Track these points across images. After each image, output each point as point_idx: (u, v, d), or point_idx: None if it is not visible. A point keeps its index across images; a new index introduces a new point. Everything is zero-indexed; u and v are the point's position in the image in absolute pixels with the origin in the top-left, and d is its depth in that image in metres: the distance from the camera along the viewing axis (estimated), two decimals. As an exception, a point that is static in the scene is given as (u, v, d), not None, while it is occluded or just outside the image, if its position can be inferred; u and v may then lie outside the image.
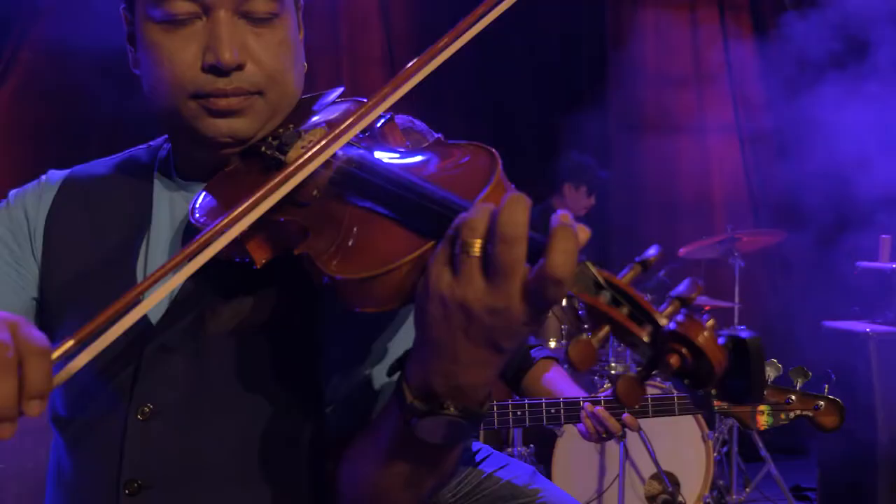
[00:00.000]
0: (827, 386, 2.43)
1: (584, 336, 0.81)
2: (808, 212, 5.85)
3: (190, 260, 0.98)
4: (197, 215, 1.14)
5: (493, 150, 1.02)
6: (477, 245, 0.85)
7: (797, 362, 4.99)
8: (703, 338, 0.78)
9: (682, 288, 0.83)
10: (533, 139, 6.10)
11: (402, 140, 1.18)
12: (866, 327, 4.61)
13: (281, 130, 1.18)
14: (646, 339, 0.81)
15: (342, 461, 1.14)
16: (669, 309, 0.82)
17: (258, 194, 1.02)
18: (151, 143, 1.37)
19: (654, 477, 4.25)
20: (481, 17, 1.09)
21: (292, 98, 1.22)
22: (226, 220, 1.00)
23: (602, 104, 6.19)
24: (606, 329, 0.83)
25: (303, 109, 1.24)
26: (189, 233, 1.23)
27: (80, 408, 1.19)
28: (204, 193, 1.18)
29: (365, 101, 1.22)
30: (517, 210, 0.83)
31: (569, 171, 5.10)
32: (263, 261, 1.09)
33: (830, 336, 4.78)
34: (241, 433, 1.15)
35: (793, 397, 2.41)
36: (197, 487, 1.15)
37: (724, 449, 4.85)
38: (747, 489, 4.85)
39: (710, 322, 0.79)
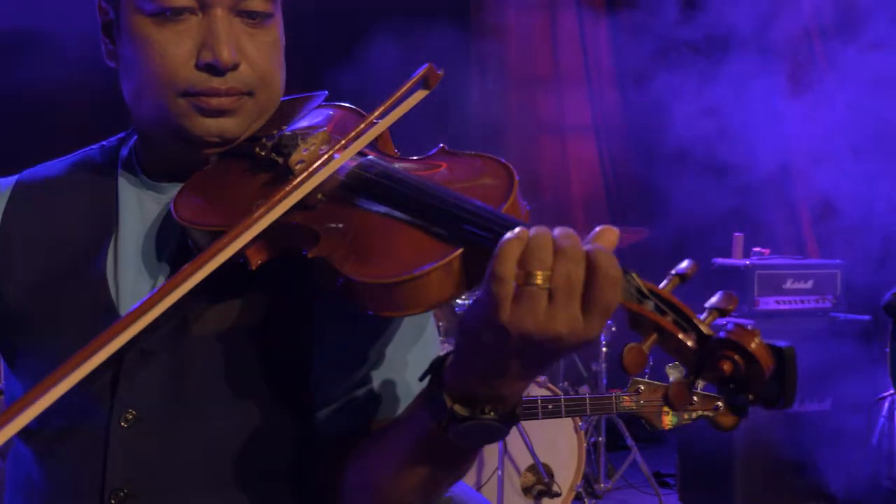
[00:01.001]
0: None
1: (636, 344, 0.85)
2: (665, 209, 6.12)
3: (205, 265, 0.97)
4: (182, 214, 1.12)
5: (506, 161, 1.05)
6: (543, 276, 0.86)
7: (660, 358, 5.26)
8: (755, 344, 0.84)
9: (716, 300, 0.88)
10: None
11: (392, 147, 1.20)
12: (724, 321, 4.87)
13: (274, 132, 1.16)
14: (691, 345, 0.86)
15: (349, 466, 1.14)
16: (709, 318, 0.87)
17: (276, 198, 1.02)
18: (104, 143, 1.32)
19: (530, 468, 4.36)
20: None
21: (278, 100, 1.21)
22: (243, 225, 1.00)
23: (461, 104, 6.28)
24: (654, 336, 0.87)
25: (286, 111, 1.23)
26: (166, 232, 1.20)
27: (52, 416, 1.13)
28: (185, 192, 1.16)
29: (349, 106, 1.24)
30: (611, 257, 0.86)
31: None
32: (260, 262, 1.08)
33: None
34: (229, 438, 1.14)
35: (696, 399, 2.54)
36: (184, 494, 1.13)
37: (592, 440, 5.02)
38: (613, 478, 5.04)
39: (758, 330, 0.85)
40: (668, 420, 2.60)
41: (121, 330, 0.95)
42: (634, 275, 0.90)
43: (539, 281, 0.86)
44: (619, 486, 5.22)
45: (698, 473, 5.01)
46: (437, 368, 0.98)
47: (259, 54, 1.15)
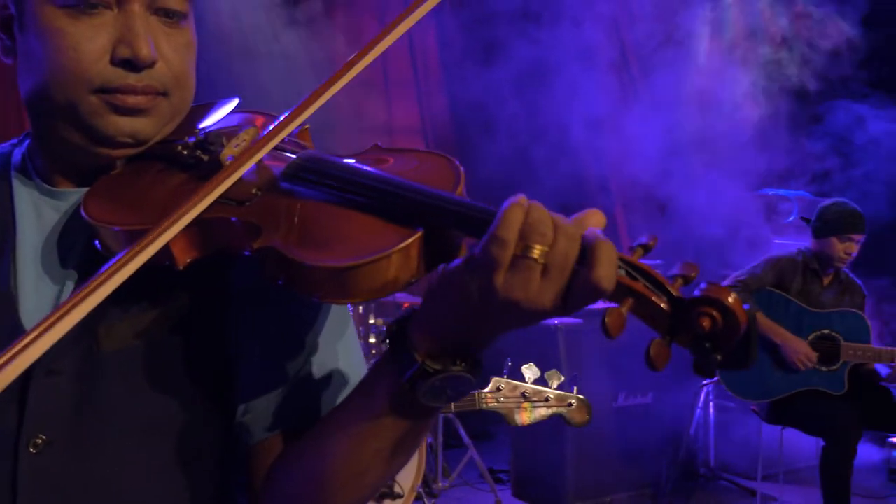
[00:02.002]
0: (576, 387, 2.68)
1: (615, 307, 0.87)
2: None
3: (123, 268, 0.90)
4: (94, 214, 1.05)
5: (446, 154, 1.06)
6: (540, 250, 0.86)
7: (498, 355, 5.34)
8: (732, 299, 0.86)
9: (678, 268, 0.92)
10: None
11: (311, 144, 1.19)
12: (555, 320, 5.04)
13: (197, 132, 1.12)
14: (665, 307, 0.88)
15: (288, 461, 1.10)
16: (675, 284, 0.90)
17: (207, 187, 0.98)
18: None
19: (372, 471, 4.35)
20: (400, 22, 1.11)
21: (189, 104, 1.17)
22: (171, 219, 0.95)
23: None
24: (630, 301, 0.89)
25: (196, 117, 1.19)
26: (69, 240, 1.13)
27: None
28: (94, 194, 1.09)
29: (263, 111, 1.22)
30: (612, 259, 0.86)
31: None
32: (188, 261, 1.03)
33: (525, 330, 5.15)
34: (148, 453, 1.09)
35: (550, 396, 2.62)
36: None
37: (429, 440, 5.07)
38: (451, 476, 5.10)
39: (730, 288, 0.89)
40: (526, 416, 2.67)
41: (25, 347, 0.86)
42: None
43: (536, 254, 0.86)
44: (455, 484, 5.30)
45: (531, 468, 5.16)
46: (401, 327, 0.97)
47: (175, 54, 1.11)
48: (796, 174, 6.30)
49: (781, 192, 5.79)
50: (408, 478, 4.50)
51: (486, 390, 2.64)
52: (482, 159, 6.46)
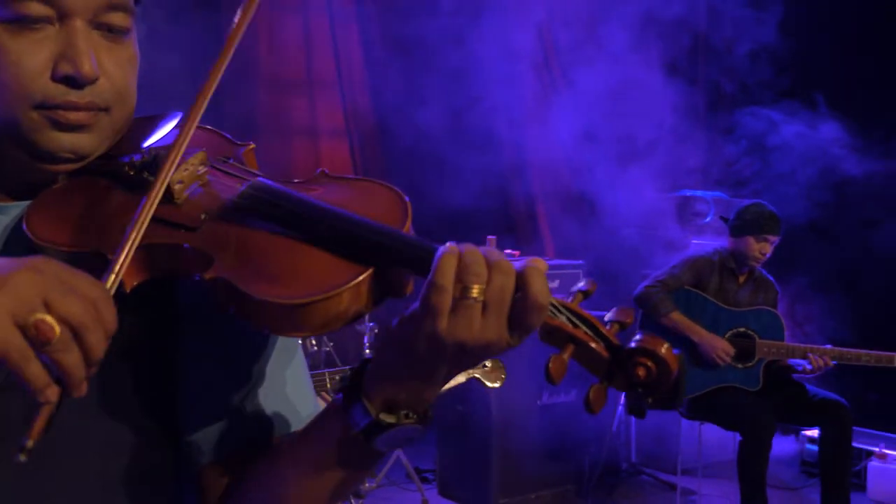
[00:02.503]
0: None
1: (557, 354, 0.93)
2: (419, 213, 6.28)
3: None
4: (39, 233, 1.04)
5: (394, 187, 1.07)
6: (478, 289, 0.90)
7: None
8: (665, 350, 0.93)
9: (614, 314, 0.97)
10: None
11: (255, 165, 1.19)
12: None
13: (143, 151, 1.11)
14: (605, 354, 0.94)
15: (240, 487, 1.11)
16: (612, 330, 0.95)
17: (144, 214, 0.98)
18: None
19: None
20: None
21: (130, 118, 1.16)
22: (123, 244, 0.95)
23: (216, 106, 6.14)
24: (572, 347, 0.94)
25: (138, 130, 1.18)
26: (8, 253, 1.10)
27: None
28: (36, 210, 1.07)
29: (209, 127, 1.22)
30: (543, 278, 0.91)
31: None
32: (135, 284, 1.03)
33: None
34: (97, 473, 1.07)
35: (487, 364, 2.69)
36: None
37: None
38: (377, 477, 5.12)
39: (663, 339, 0.95)
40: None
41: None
42: None
43: (475, 293, 0.90)
44: (382, 484, 5.31)
45: (457, 467, 5.20)
46: (355, 379, 0.99)
47: (117, 70, 1.10)
48: (713, 176, 6.46)
49: (699, 193, 5.94)
50: (335, 479, 4.51)
51: None
52: (406, 159, 6.48)
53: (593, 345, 0.94)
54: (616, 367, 0.94)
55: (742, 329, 4.59)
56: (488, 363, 2.81)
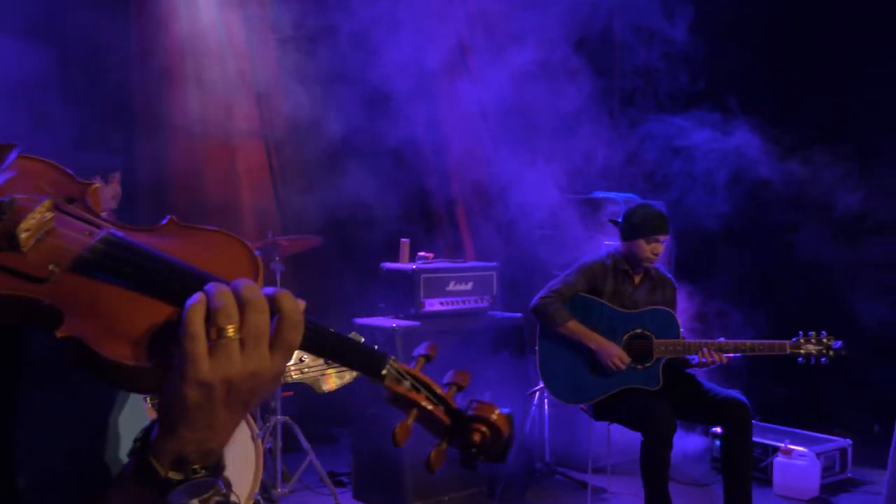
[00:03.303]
0: (376, 345, 2.73)
1: (403, 421, 1.05)
2: (334, 215, 6.28)
3: None
4: None
5: (242, 238, 1.08)
6: (233, 328, 0.94)
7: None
8: (496, 416, 1.05)
9: (451, 376, 1.09)
10: (57, 136, 5.76)
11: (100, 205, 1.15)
12: (392, 322, 5.11)
13: None
14: (446, 420, 1.04)
15: None
16: (451, 392, 1.07)
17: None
18: None
19: (206, 481, 4.30)
20: None
21: None
22: None
23: (126, 106, 6.07)
24: (415, 412, 1.04)
25: None
26: None
27: None
28: None
29: (47, 160, 1.18)
30: (294, 301, 0.97)
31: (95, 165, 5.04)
32: None
33: (364, 332, 5.21)
34: None
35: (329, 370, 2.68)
36: None
37: (268, 445, 5.05)
38: (290, 481, 5.11)
39: (493, 405, 1.07)
40: (332, 382, 2.69)
41: None
42: (393, 359, 1.06)
43: (231, 333, 0.94)
44: (295, 489, 5.30)
45: (371, 470, 5.21)
46: (143, 441, 0.99)
47: None
48: (627, 178, 6.56)
49: (611, 195, 6.03)
50: (245, 486, 4.47)
51: (289, 363, 2.64)
52: (323, 162, 6.47)
53: (434, 410, 1.03)
54: (455, 430, 1.04)
55: (639, 330, 4.68)
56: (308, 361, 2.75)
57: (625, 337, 4.68)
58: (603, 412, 4.74)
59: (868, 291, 6.88)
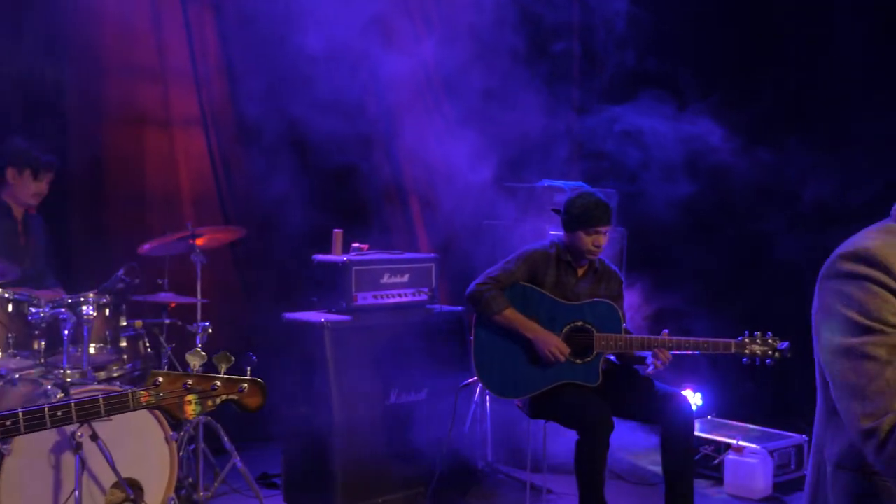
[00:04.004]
0: (249, 368, 2.52)
1: None
2: (266, 206, 6.05)
3: None
4: None
5: None
6: None
7: (265, 354, 5.11)
8: None
9: None
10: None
11: None
12: (322, 317, 4.88)
13: None
14: None
15: None
16: None
17: None
18: None
19: (115, 486, 4.09)
20: None
21: None
22: None
23: (58, 92, 5.81)
24: None
25: None
26: None
27: None
28: None
29: None
30: None
31: (10, 155, 4.81)
32: None
33: (293, 327, 4.98)
34: None
35: (218, 383, 2.45)
36: None
37: (192, 446, 4.83)
38: (216, 483, 4.88)
39: None
40: (191, 409, 2.47)
41: None
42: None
43: None
44: (223, 491, 5.09)
45: (301, 472, 4.99)
46: None
47: None
48: (576, 166, 6.35)
49: (558, 183, 5.79)
50: (158, 490, 4.25)
51: (141, 388, 2.41)
52: (267, 154, 6.23)
53: None
54: None
55: (579, 323, 4.46)
56: (245, 384, 2.51)
57: (565, 329, 4.45)
58: (538, 409, 4.52)
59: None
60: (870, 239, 2.00)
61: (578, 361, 4.43)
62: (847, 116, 6.52)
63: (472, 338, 4.55)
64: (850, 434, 1.98)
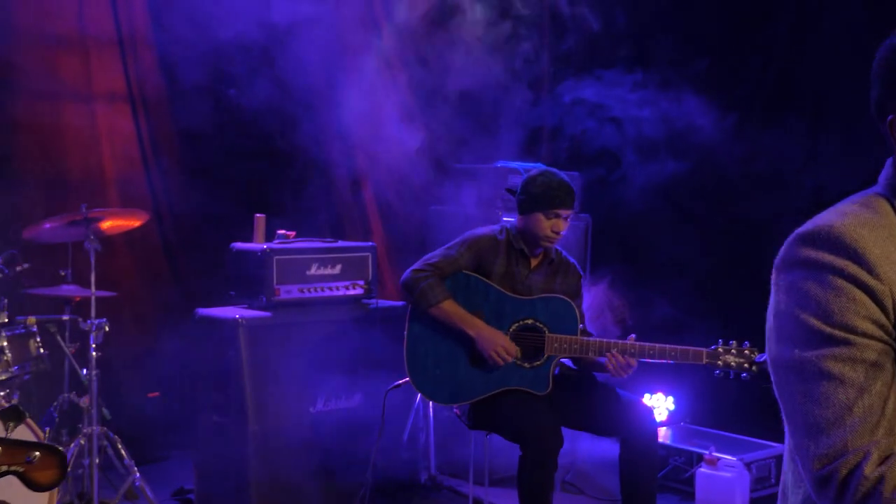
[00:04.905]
0: (48, 430, 1.94)
1: None
2: (191, 188, 5.51)
3: None
4: None
5: None
6: None
7: (170, 360, 4.51)
8: None
9: None
10: None
11: None
12: (237, 313, 4.30)
13: None
14: None
15: None
16: None
17: None
18: None
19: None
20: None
21: None
22: None
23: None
24: None
25: None
26: None
27: None
28: None
29: None
30: None
31: None
32: None
33: (205, 324, 4.41)
34: None
35: (36, 453, 1.85)
36: None
37: (86, 460, 4.25)
38: (115, 500, 4.31)
39: None
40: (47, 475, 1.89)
41: None
42: None
43: None
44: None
45: (214, 487, 4.43)
46: None
47: None
48: (541, 148, 5.79)
49: (514, 164, 5.21)
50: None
51: None
52: (201, 133, 5.70)
53: None
54: None
55: (529, 321, 3.88)
56: (37, 452, 1.92)
57: (513, 327, 3.88)
58: (478, 418, 3.94)
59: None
60: (838, 215, 1.44)
61: (527, 365, 3.85)
62: (837, 96, 6.02)
63: (405, 333, 3.97)
64: (805, 480, 1.44)
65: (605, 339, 3.81)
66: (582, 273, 4.15)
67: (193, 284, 5.45)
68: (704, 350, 3.71)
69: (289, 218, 5.19)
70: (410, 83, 5.56)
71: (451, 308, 3.85)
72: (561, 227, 3.88)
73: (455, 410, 4.07)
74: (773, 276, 1.48)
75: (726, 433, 5.32)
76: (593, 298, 5.21)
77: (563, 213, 3.87)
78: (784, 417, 1.48)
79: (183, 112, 5.74)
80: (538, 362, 3.85)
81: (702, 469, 4.83)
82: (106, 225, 4.33)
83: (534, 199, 3.88)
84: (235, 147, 5.72)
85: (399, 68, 5.61)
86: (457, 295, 3.89)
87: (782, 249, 1.47)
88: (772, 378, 1.51)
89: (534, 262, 4.01)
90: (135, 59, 5.78)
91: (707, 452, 4.85)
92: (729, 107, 5.83)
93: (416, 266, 3.92)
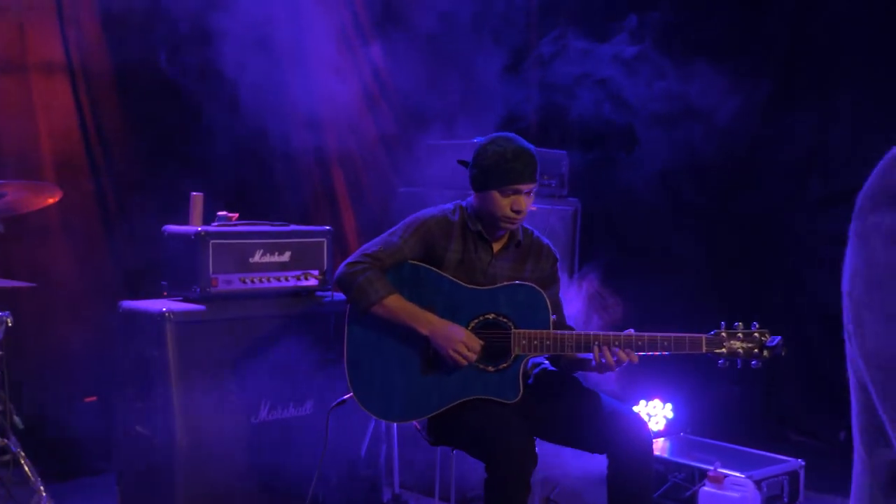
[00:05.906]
0: None
1: None
2: (142, 167, 4.95)
3: None
4: None
5: None
6: None
7: (99, 354, 3.91)
8: None
9: None
10: None
11: None
12: (164, 306, 3.70)
13: None
14: None
15: None
16: None
17: None
18: None
19: None
20: None
21: None
22: None
23: None
24: None
25: None
26: None
27: None
28: None
29: None
30: None
31: None
32: None
33: (129, 319, 3.82)
34: None
35: None
36: None
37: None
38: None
39: None
40: None
41: None
42: None
43: None
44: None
45: (145, 496, 3.84)
46: None
47: None
48: (516, 121, 5.22)
49: (478, 139, 4.63)
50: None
51: None
52: (150, 109, 5.15)
53: None
54: None
55: (491, 316, 3.26)
56: None
57: (471, 324, 3.26)
58: (440, 433, 3.34)
59: (832, 267, 5.54)
60: None
61: (491, 369, 3.24)
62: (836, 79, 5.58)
63: (344, 338, 3.36)
64: None
65: (582, 332, 3.21)
66: (558, 256, 3.52)
67: (134, 274, 4.87)
68: (704, 336, 3.11)
69: (248, 202, 4.63)
70: (375, 54, 4.99)
71: (396, 304, 3.23)
72: (522, 205, 3.26)
73: (415, 424, 3.46)
74: (854, 230, 0.95)
75: (733, 445, 4.79)
76: (581, 295, 4.62)
77: (524, 187, 3.25)
78: (885, 420, 0.95)
79: (131, 85, 5.19)
80: (504, 364, 3.23)
81: (705, 488, 4.27)
82: (8, 201, 3.73)
83: (486, 173, 3.26)
84: (185, 125, 5.16)
85: (364, 38, 5.04)
86: (403, 290, 3.27)
87: (867, 188, 0.94)
88: (866, 376, 0.98)
89: (496, 247, 3.39)
90: (76, 27, 5.22)
91: (711, 468, 4.28)
92: (735, 89, 5.33)
93: (350, 258, 3.31)
